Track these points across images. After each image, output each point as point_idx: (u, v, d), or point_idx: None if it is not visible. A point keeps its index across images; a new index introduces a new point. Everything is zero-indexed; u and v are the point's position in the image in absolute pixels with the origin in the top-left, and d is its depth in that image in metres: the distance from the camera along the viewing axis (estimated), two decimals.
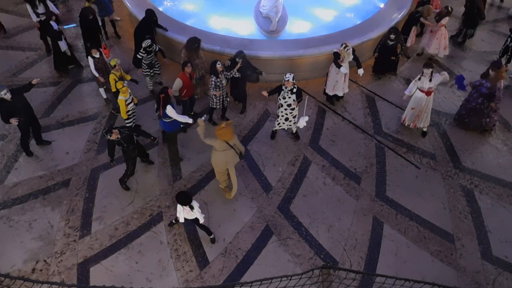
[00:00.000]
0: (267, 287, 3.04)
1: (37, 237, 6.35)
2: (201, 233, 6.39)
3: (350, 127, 8.20)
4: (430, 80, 7.39)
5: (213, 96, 7.67)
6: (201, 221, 5.99)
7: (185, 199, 5.70)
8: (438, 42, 9.39)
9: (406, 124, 8.05)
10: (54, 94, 8.69)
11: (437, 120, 8.35)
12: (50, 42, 9.13)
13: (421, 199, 6.97)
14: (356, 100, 8.77)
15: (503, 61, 9.03)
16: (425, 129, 8.02)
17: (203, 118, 6.50)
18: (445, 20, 9.16)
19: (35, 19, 9.16)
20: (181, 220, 6.01)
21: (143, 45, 7.87)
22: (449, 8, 9.15)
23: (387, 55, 8.91)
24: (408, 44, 9.75)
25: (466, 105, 8.00)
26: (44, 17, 8.91)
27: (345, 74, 8.08)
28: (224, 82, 7.53)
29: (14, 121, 6.84)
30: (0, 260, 6.06)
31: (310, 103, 8.37)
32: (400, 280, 3.00)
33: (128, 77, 7.78)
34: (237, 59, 7.63)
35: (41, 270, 5.98)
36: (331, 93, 8.41)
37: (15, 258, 6.09)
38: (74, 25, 10.07)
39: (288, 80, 6.97)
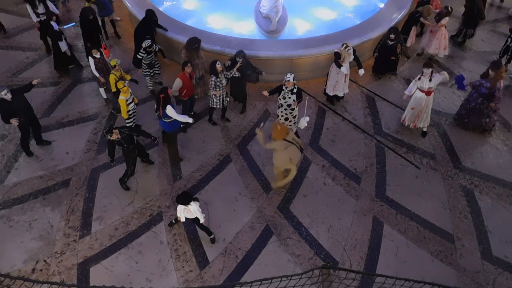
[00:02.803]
0: (267, 287, 3.04)
1: (37, 237, 6.35)
2: (201, 233, 6.39)
3: (350, 127, 8.20)
4: (430, 80, 7.39)
5: (213, 96, 7.67)
6: (202, 220, 5.99)
7: (185, 199, 5.69)
8: (438, 42, 9.39)
9: (406, 124, 8.05)
10: (54, 94, 8.69)
11: (437, 120, 8.35)
12: (50, 42, 9.13)
13: (421, 199, 6.98)
14: (356, 100, 8.77)
15: (503, 61, 9.03)
16: (425, 129, 8.02)
17: (260, 126, 6.73)
18: (445, 20, 9.16)
19: (35, 19, 9.16)
20: (182, 219, 6.01)
21: (143, 45, 7.87)
22: (449, 8, 9.15)
23: (387, 55, 8.90)
24: (408, 44, 9.75)
25: (465, 105, 8.00)
26: (44, 17, 8.91)
27: (345, 75, 8.08)
28: (224, 82, 7.53)
29: (14, 121, 6.84)
30: (0, 260, 6.07)
31: (310, 103, 8.37)
32: (400, 280, 3.00)
33: (128, 77, 7.78)
34: (237, 59, 7.62)
35: (41, 270, 5.98)
36: (331, 94, 8.41)
37: (15, 258, 6.09)
38: (74, 24, 10.07)
39: (288, 81, 6.97)
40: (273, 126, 6.49)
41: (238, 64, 7.57)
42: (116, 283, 5.63)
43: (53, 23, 8.64)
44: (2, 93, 6.58)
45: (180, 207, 5.85)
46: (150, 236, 6.40)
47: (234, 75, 7.66)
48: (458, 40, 10.37)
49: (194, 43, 7.90)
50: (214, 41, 8.73)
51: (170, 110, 6.70)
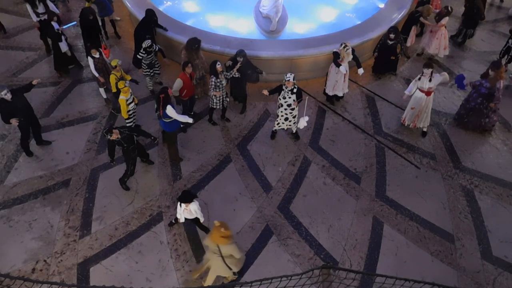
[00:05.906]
0: (267, 287, 3.04)
1: (37, 237, 6.35)
2: (201, 233, 6.38)
3: (350, 127, 8.20)
4: (430, 80, 7.39)
5: (213, 97, 7.67)
6: (201, 220, 5.99)
7: (188, 197, 5.69)
8: (438, 42, 9.39)
9: (406, 124, 8.05)
10: (54, 94, 8.69)
11: (437, 120, 8.35)
12: (50, 43, 9.12)
13: (421, 199, 6.97)
14: (356, 100, 8.77)
15: (504, 61, 9.02)
16: (425, 129, 8.01)
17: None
18: (445, 20, 9.16)
19: (35, 19, 9.15)
20: (182, 220, 6.01)
21: (143, 45, 7.87)
22: (449, 8, 9.15)
23: (387, 55, 8.90)
24: (408, 44, 9.75)
25: (465, 105, 8.00)
26: (45, 17, 8.90)
27: (344, 74, 8.08)
28: (224, 82, 7.53)
29: (14, 121, 6.84)
30: (0, 260, 6.06)
31: (310, 103, 8.37)
32: (400, 280, 3.00)
33: (129, 78, 7.77)
34: (238, 58, 7.62)
35: (41, 270, 5.98)
36: (331, 93, 8.41)
37: (15, 258, 6.09)
38: (74, 23, 10.06)
39: (288, 80, 6.97)
40: (215, 228, 5.04)
41: (238, 64, 7.57)
42: (116, 283, 5.62)
43: (53, 23, 8.64)
44: (2, 93, 6.58)
45: (180, 208, 5.85)
46: (150, 236, 6.40)
47: (234, 76, 7.66)
48: (458, 40, 10.37)
49: (194, 44, 7.90)
50: (214, 41, 8.73)
51: (170, 110, 6.70)
